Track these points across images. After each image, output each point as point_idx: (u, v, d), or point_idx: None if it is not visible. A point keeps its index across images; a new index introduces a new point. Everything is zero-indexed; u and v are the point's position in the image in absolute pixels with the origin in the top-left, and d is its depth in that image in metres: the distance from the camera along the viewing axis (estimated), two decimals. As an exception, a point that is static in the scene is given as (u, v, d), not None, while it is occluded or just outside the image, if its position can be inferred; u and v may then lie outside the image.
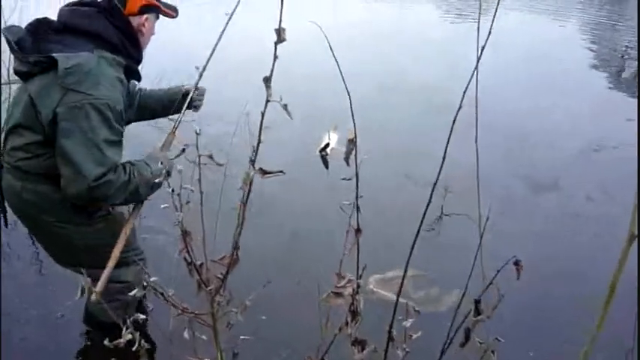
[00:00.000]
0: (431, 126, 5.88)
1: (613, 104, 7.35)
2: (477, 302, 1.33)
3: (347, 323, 1.57)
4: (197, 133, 1.66)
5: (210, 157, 1.64)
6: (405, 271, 1.44)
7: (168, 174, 2.09)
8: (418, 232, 1.47)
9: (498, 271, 1.33)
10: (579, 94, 7.50)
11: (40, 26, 2.03)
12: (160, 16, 2.23)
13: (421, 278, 3.53)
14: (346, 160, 1.59)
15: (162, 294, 1.42)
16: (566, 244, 3.88)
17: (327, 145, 4.73)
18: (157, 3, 2.15)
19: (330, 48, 1.43)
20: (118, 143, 1.99)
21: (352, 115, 1.54)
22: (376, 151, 4.88)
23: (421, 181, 4.56)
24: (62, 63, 1.88)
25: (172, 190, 1.44)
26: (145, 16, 2.12)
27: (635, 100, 7.48)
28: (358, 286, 1.60)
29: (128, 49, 2.06)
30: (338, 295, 1.56)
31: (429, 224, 4.21)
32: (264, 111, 1.36)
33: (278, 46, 1.28)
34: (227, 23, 2.16)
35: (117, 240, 2.11)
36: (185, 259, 1.52)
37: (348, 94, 1.51)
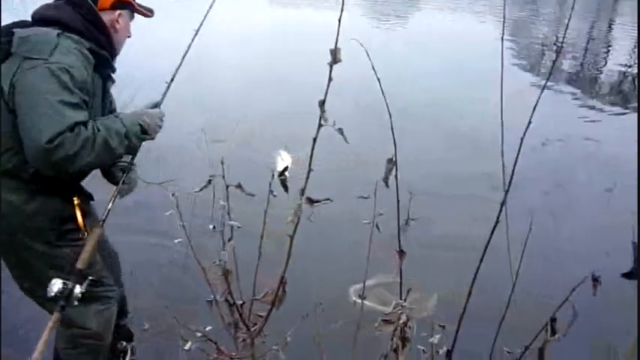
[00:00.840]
0: (375, 129, 5.92)
1: (545, 96, 7.66)
2: (553, 321, 1.29)
3: (395, 349, 1.50)
4: (222, 163, 1.55)
5: (240, 186, 1.53)
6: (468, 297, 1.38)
7: (143, 130, 1.96)
8: (482, 259, 1.42)
9: (574, 289, 1.30)
10: (511, 89, 7.78)
11: (15, 27, 1.94)
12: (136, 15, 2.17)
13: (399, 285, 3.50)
14: (385, 180, 1.52)
15: (215, 343, 1.29)
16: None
17: (287, 168, 4.48)
18: (129, 0, 2.09)
19: (373, 68, 1.35)
20: (77, 106, 1.81)
21: (393, 133, 1.47)
22: (336, 160, 4.84)
23: (385, 187, 4.55)
24: (18, 34, 1.83)
25: (214, 228, 1.32)
26: (118, 12, 2.05)
27: (547, 91, 7.82)
28: (404, 308, 1.53)
29: (96, 35, 1.96)
30: (388, 322, 1.49)
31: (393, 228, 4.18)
32: (317, 136, 1.27)
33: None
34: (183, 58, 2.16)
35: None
36: (227, 300, 1.39)
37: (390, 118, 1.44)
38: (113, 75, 2.11)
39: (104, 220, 1.99)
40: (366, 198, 1.97)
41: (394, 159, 1.48)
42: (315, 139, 1.27)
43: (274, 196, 1.65)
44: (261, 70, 7.52)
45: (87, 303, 2.07)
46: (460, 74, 8.21)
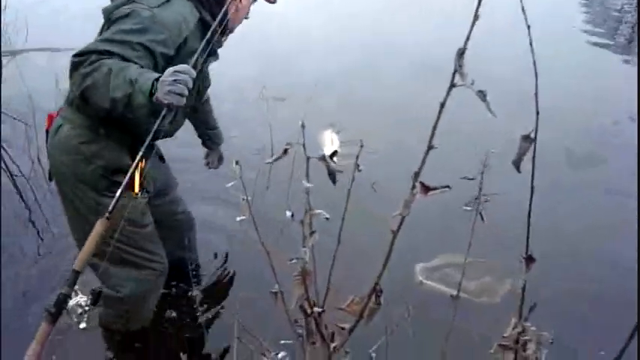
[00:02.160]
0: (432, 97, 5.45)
1: (621, 69, 7.01)
2: None
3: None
4: (302, 126, 1.20)
5: (324, 159, 1.19)
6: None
7: (152, 91, 1.63)
8: None
9: None
10: (587, 61, 7.14)
11: None
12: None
13: (471, 266, 3.16)
14: (517, 163, 1.14)
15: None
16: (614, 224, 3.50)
17: (335, 153, 3.84)
18: None
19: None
20: (131, 47, 1.72)
21: (537, 104, 1.09)
22: (384, 130, 4.43)
23: (449, 160, 4.10)
24: None
25: (292, 215, 0.99)
26: None
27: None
28: (523, 330, 1.17)
29: (213, 8, 1.91)
30: (506, 347, 1.14)
31: (466, 204, 3.76)
32: (445, 100, 0.91)
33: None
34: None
35: (120, 233, 1.85)
36: (302, 307, 1.07)
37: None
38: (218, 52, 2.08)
39: (110, 212, 1.70)
40: (471, 179, 1.62)
41: (533, 136, 1.10)
42: (442, 105, 0.90)
43: (359, 170, 1.32)
44: (322, 30, 7.09)
45: (123, 265, 2.00)
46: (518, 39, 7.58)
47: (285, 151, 1.17)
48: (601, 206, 3.77)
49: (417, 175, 0.94)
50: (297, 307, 1.17)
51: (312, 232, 1.01)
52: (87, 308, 1.66)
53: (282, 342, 1.20)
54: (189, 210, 2.54)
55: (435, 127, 0.92)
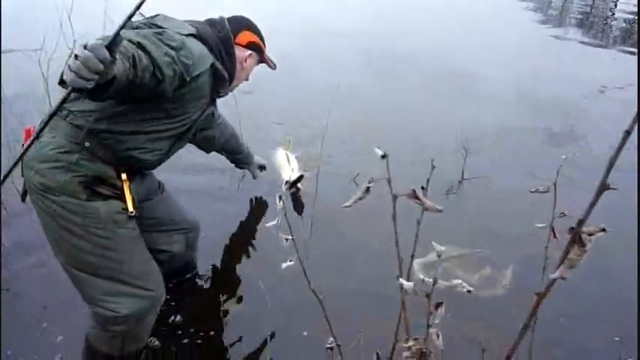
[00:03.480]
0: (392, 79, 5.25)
1: (575, 48, 7.10)
2: None
3: None
4: (383, 156, 0.94)
5: (416, 196, 0.93)
6: None
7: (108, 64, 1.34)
8: None
9: None
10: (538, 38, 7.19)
11: None
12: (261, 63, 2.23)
13: (468, 258, 2.99)
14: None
15: None
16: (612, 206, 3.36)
17: (302, 176, 3.25)
18: (262, 45, 2.16)
19: None
20: (162, 49, 1.66)
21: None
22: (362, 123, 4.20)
23: (428, 147, 3.88)
24: (161, 16, 1.91)
25: (402, 289, 0.73)
26: (250, 52, 2.10)
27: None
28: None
29: (223, 57, 1.97)
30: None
31: (448, 189, 3.55)
32: (630, 130, 0.66)
33: None
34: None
35: (99, 246, 1.78)
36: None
37: None
38: (217, 100, 2.11)
39: None
40: (543, 192, 1.41)
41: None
42: (629, 132, 0.65)
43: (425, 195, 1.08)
44: (280, 16, 6.76)
45: (113, 280, 1.87)
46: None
47: (368, 190, 0.90)
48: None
49: (580, 223, 0.70)
50: None
51: (438, 305, 0.76)
52: None
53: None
54: (186, 211, 2.41)
55: (612, 163, 0.67)
